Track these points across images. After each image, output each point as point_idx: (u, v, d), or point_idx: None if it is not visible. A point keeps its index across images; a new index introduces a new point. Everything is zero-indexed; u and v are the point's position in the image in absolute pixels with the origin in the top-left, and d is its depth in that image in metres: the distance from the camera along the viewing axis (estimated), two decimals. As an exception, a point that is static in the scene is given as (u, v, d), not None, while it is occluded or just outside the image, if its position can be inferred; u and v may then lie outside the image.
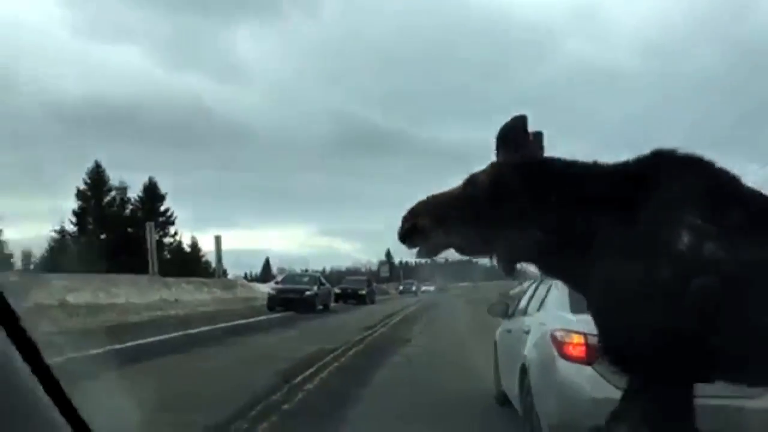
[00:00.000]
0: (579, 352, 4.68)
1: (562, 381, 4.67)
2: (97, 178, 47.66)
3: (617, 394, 4.41)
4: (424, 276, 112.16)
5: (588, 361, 4.62)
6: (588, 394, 4.53)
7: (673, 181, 2.20)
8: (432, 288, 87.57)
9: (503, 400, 7.17)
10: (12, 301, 1.13)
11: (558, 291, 5.58)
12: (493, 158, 2.56)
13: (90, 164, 48.33)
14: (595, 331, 4.61)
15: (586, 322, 4.74)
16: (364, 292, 36.09)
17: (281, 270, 53.27)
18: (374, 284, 43.49)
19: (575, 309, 5.09)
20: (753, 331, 2.06)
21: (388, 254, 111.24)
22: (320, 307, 26.91)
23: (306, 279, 30.25)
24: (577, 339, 4.72)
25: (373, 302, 35.62)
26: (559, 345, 4.80)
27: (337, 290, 34.53)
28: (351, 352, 12.56)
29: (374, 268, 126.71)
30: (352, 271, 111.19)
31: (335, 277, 55.25)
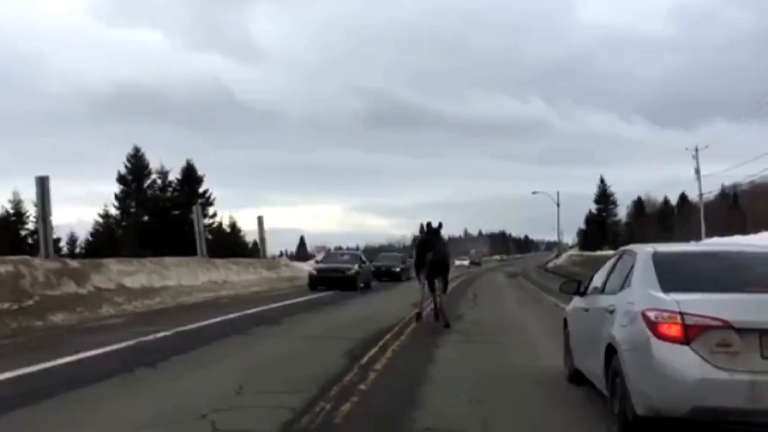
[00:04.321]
0: (675, 332, 4.69)
1: (659, 362, 4.68)
2: (137, 162, 48.48)
3: (717, 374, 4.51)
4: (459, 250, 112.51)
5: (686, 341, 4.64)
6: (687, 374, 4.56)
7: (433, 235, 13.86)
8: (465, 262, 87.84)
9: (577, 379, 7.22)
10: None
11: (643, 269, 5.58)
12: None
13: (128, 149, 49.35)
14: (692, 310, 4.66)
15: (679, 302, 4.79)
16: (398, 269, 35.87)
17: (319, 248, 53.51)
18: (409, 261, 43.24)
19: (666, 288, 5.11)
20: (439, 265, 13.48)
21: (422, 229, 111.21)
22: (361, 285, 26.97)
23: (346, 257, 30.24)
24: (672, 318, 4.73)
25: (408, 279, 35.46)
26: (653, 325, 4.81)
27: (371, 268, 34.24)
28: (408, 330, 12.69)
29: (408, 243, 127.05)
30: (386, 248, 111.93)
31: (369, 254, 55.27)
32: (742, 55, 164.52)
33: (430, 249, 13.40)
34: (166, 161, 50.60)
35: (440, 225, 13.80)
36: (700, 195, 51.37)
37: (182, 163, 51.12)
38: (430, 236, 13.87)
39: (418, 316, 13.58)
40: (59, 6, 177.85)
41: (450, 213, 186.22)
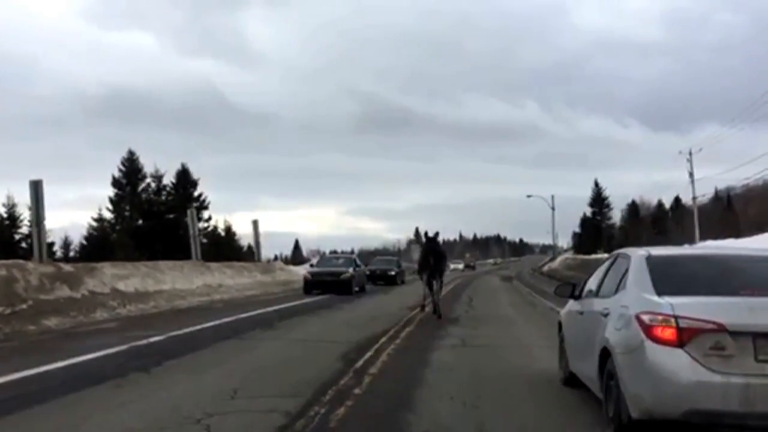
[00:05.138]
0: (669, 335, 4.70)
1: (653, 365, 4.69)
2: (131, 165, 48.40)
3: (711, 377, 4.52)
4: (454, 253, 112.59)
5: (680, 344, 4.65)
6: (681, 377, 4.57)
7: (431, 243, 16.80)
8: (460, 266, 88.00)
9: (572, 382, 7.22)
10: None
11: (637, 273, 5.60)
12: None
13: (122, 152, 49.30)
14: (686, 313, 4.67)
15: (674, 305, 4.80)
16: (393, 272, 35.75)
17: (314, 252, 53.57)
18: (403, 264, 43.17)
19: (660, 291, 5.12)
20: (438, 265, 16.53)
21: (417, 233, 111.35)
22: (356, 288, 26.90)
23: (341, 261, 30.19)
24: (666, 321, 4.74)
25: (403, 282, 35.47)
26: (647, 328, 4.82)
27: (366, 271, 34.04)
28: (403, 333, 12.69)
29: (404, 247, 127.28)
30: (381, 251, 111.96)
31: (364, 257, 55.23)
32: (735, 58, 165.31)
33: (431, 255, 16.44)
34: (161, 165, 50.54)
35: (436, 234, 16.94)
36: (694, 198, 51.49)
37: (177, 167, 51.06)
38: (430, 244, 16.80)
39: (422, 307, 16.79)
40: (50, 8, 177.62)
41: (445, 216, 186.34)
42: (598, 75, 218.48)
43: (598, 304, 6.21)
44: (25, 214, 39.10)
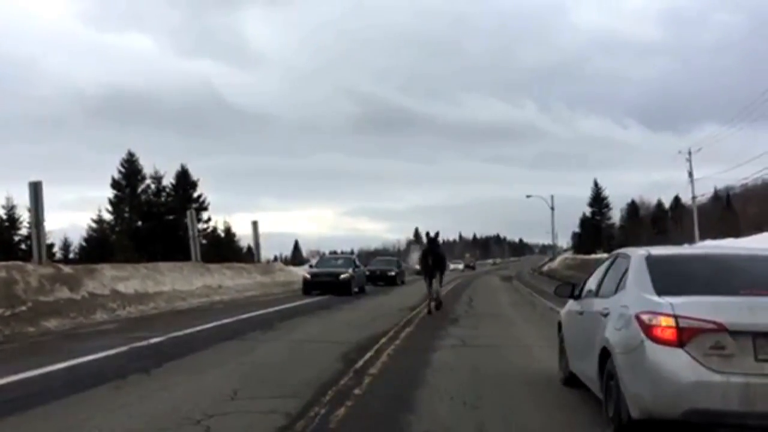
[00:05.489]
0: (669, 334, 4.70)
1: (653, 365, 4.69)
2: (130, 167, 48.41)
3: (711, 377, 4.52)
4: (454, 254, 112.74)
5: (680, 343, 4.66)
6: (681, 377, 4.57)
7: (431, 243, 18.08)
8: (460, 266, 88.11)
9: (572, 382, 7.22)
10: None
11: (637, 273, 5.60)
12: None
13: (122, 153, 49.34)
14: (686, 313, 4.66)
15: (674, 305, 4.80)
16: (393, 273, 35.70)
17: (314, 253, 53.59)
18: (403, 265, 43.05)
19: (660, 291, 5.13)
20: (437, 265, 17.67)
21: (417, 234, 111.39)
22: (356, 289, 26.88)
23: (340, 261, 30.14)
24: (666, 321, 4.75)
25: (403, 283, 35.42)
26: (647, 328, 4.82)
27: (365, 272, 33.91)
28: (403, 334, 12.69)
29: (403, 247, 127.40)
30: (381, 252, 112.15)
31: (363, 258, 55.17)
32: (733, 58, 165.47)
33: (430, 256, 17.69)
34: (160, 166, 50.53)
35: (437, 234, 18.08)
36: (694, 198, 51.48)
37: (176, 168, 51.09)
38: (430, 244, 18.02)
39: (429, 306, 17.47)
40: (49, 10, 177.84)
41: (444, 217, 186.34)
42: (597, 75, 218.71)
43: (597, 304, 6.22)
44: (24, 215, 39.05)
